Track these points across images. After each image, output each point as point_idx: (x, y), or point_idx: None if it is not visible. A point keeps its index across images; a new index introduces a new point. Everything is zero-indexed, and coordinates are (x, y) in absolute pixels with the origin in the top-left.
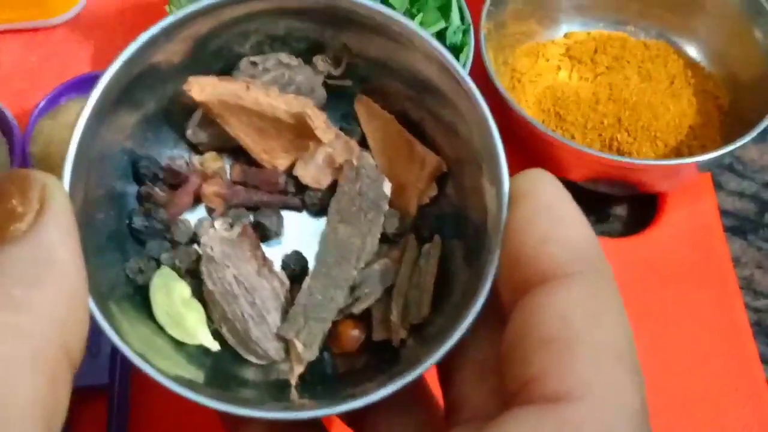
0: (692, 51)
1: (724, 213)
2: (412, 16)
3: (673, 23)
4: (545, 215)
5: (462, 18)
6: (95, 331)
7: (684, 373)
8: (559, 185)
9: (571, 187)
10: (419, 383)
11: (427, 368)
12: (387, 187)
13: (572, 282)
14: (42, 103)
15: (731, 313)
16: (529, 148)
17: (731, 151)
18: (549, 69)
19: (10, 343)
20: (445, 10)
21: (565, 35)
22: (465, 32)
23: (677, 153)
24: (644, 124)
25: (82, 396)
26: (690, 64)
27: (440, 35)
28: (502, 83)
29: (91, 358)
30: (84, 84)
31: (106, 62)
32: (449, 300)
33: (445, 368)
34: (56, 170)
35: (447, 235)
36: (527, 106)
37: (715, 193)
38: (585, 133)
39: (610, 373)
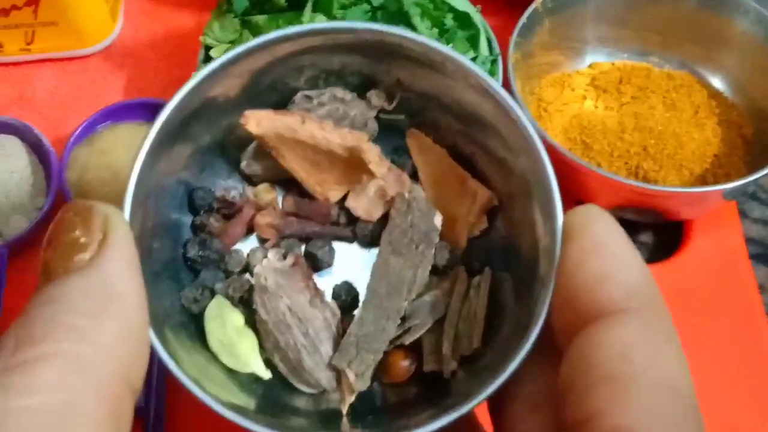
0: (716, 81)
1: (748, 240)
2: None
3: (696, 54)
4: (601, 252)
5: (490, 48)
6: None
7: (710, 399)
8: (613, 221)
9: None
10: (469, 417)
11: (479, 402)
12: (438, 220)
13: (630, 318)
14: (78, 131)
15: (758, 339)
16: (557, 175)
17: (755, 180)
18: (575, 99)
19: (76, 374)
20: (473, 41)
21: (590, 65)
22: (493, 62)
23: (702, 181)
24: (670, 152)
25: None
26: (714, 94)
27: None
28: (529, 112)
29: None
30: (118, 112)
31: (139, 90)
32: (500, 332)
33: (496, 401)
34: (91, 195)
35: (497, 267)
36: (554, 134)
37: (740, 221)
38: (611, 162)
39: (671, 410)
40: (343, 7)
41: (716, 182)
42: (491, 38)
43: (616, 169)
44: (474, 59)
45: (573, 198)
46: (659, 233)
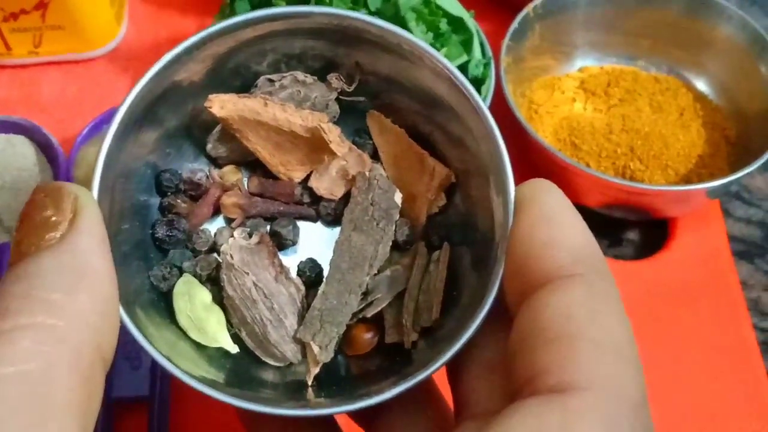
0: (701, 85)
1: (732, 238)
2: (436, 50)
3: (682, 59)
4: (548, 221)
5: (483, 52)
6: (136, 344)
7: (694, 391)
8: (561, 193)
9: (586, 212)
10: (429, 384)
11: (437, 368)
12: (398, 197)
13: (574, 283)
14: (85, 131)
15: (740, 333)
16: (546, 175)
17: (738, 179)
18: (565, 101)
19: (49, 345)
20: (467, 45)
21: (580, 69)
22: (486, 66)
23: (687, 181)
24: (656, 153)
25: (123, 407)
26: (699, 97)
27: (462, 68)
28: (520, 114)
29: (133, 370)
30: None
31: None
32: (458, 304)
33: (453, 368)
34: None
35: (455, 242)
36: (544, 135)
37: (724, 219)
38: (599, 162)
39: (612, 366)
40: None
41: (700, 182)
42: (484, 42)
43: (604, 169)
44: (467, 62)
45: None
46: (645, 231)
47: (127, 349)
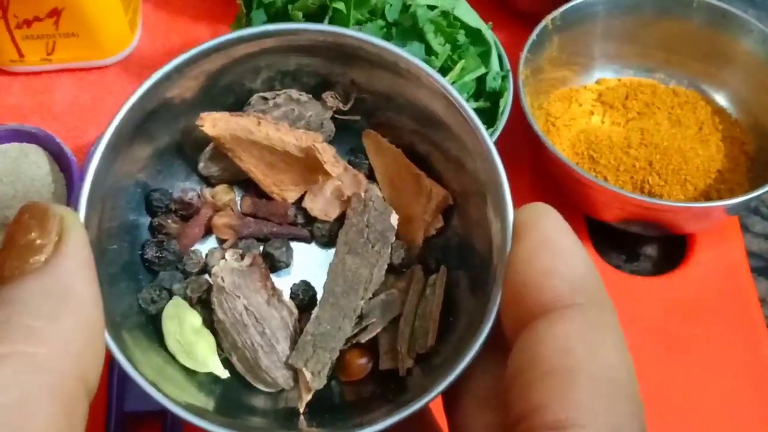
0: (720, 99)
1: (750, 254)
2: (454, 63)
3: (700, 72)
4: (547, 248)
5: (501, 65)
6: None
7: (711, 408)
8: (561, 219)
9: (603, 226)
10: (424, 413)
11: (433, 398)
12: (394, 219)
13: (573, 313)
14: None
15: (758, 350)
16: (563, 188)
17: (758, 195)
18: (582, 114)
19: (29, 374)
20: (485, 57)
21: (598, 81)
22: (504, 78)
23: (706, 196)
24: (675, 167)
25: (137, 421)
26: (718, 110)
27: (480, 80)
28: (538, 126)
29: None
30: None
31: None
32: (455, 330)
33: (449, 397)
34: None
35: (452, 265)
36: (561, 148)
37: (742, 235)
38: (617, 176)
39: (611, 403)
40: (359, 23)
41: (720, 197)
42: (502, 54)
43: (622, 184)
44: (485, 75)
45: (579, 211)
46: (664, 246)
47: None
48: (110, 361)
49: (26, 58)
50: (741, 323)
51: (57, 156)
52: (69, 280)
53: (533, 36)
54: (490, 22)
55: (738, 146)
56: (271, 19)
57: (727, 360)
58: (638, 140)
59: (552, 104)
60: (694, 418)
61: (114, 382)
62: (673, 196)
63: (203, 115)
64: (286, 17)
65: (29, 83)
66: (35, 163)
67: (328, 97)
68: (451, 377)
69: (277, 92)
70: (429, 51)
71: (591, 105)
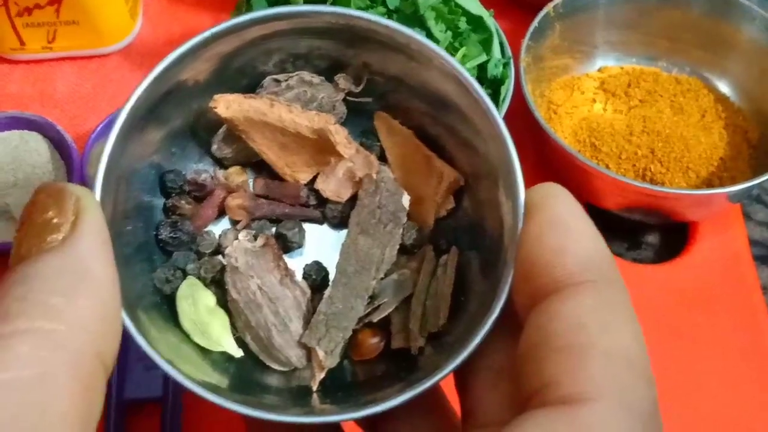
0: (722, 86)
1: (752, 242)
2: (455, 50)
3: (703, 60)
4: (558, 227)
5: (503, 52)
6: None
7: (713, 396)
8: (572, 198)
9: (605, 214)
10: (436, 391)
11: (444, 375)
12: (406, 200)
13: (585, 290)
14: (99, 128)
15: (760, 338)
16: (565, 176)
17: (760, 183)
18: (584, 101)
19: (48, 351)
20: (486, 45)
21: (600, 69)
22: (505, 65)
23: (708, 184)
24: (677, 155)
25: (137, 408)
26: (720, 98)
27: (482, 68)
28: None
29: (146, 371)
30: None
31: None
32: (466, 309)
33: (461, 375)
34: None
35: (464, 246)
36: (563, 136)
37: (745, 223)
38: (619, 164)
39: (623, 378)
40: (360, 9)
41: (722, 185)
42: (503, 42)
43: (624, 171)
44: (487, 62)
45: (581, 199)
46: (665, 234)
47: (140, 351)
48: None
49: (27, 46)
50: (743, 311)
51: (58, 144)
52: (86, 259)
53: (535, 23)
54: (492, 9)
55: (740, 134)
56: (272, 5)
57: (729, 347)
58: (640, 128)
59: (554, 92)
60: (695, 406)
61: (115, 369)
62: (675, 183)
63: (216, 96)
64: (287, 5)
65: (30, 71)
66: (36, 150)
67: (340, 79)
68: (463, 355)
69: (290, 74)
70: (430, 38)
71: (593, 93)
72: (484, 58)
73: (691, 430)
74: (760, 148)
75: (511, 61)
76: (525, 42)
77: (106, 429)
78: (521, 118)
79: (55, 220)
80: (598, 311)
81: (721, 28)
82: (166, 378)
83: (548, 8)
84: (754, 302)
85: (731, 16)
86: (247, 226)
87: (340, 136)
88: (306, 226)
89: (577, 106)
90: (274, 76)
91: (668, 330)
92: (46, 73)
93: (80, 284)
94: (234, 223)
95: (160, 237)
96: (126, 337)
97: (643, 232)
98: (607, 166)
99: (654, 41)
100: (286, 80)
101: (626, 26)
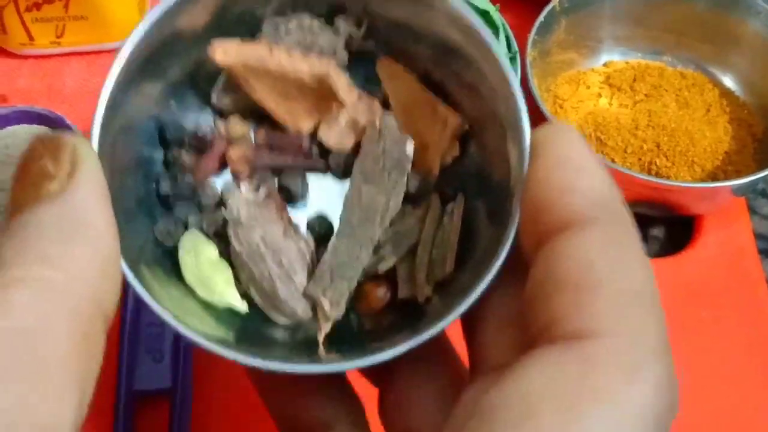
0: (727, 81)
1: (757, 236)
2: None
3: (708, 54)
4: (565, 165)
5: (509, 46)
6: (158, 337)
7: (718, 391)
8: (579, 137)
9: None
10: (442, 340)
11: (451, 321)
12: (410, 147)
13: (593, 228)
14: None
15: (764, 330)
16: None
17: (765, 177)
18: (590, 96)
19: (48, 298)
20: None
21: (605, 64)
22: (511, 60)
23: (713, 178)
24: (682, 149)
25: (145, 399)
26: (725, 93)
27: None
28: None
29: (155, 362)
30: None
31: None
32: (473, 257)
33: (468, 323)
34: None
35: (470, 194)
36: None
37: (750, 217)
38: (625, 158)
39: (632, 312)
40: None
41: (726, 179)
42: (510, 36)
43: (629, 165)
44: None
45: None
46: (670, 228)
47: (148, 342)
48: (119, 340)
49: (36, 41)
50: (748, 305)
51: None
52: (84, 209)
53: (541, 18)
54: (498, 4)
55: (745, 128)
56: None
57: (733, 340)
58: (646, 122)
59: (560, 86)
60: (699, 398)
61: (123, 360)
62: (680, 177)
63: (214, 43)
64: None
65: (39, 66)
66: None
67: (341, 22)
68: (469, 300)
69: (289, 18)
70: None
71: (599, 87)
72: None
73: (696, 423)
74: (765, 142)
75: (518, 55)
76: (531, 37)
77: (115, 421)
78: (529, 112)
79: (50, 169)
80: (605, 248)
81: (726, 23)
82: (175, 369)
83: (554, 3)
84: (758, 295)
85: (736, 11)
86: (249, 178)
87: (341, 81)
88: (309, 177)
89: (582, 100)
90: (274, 19)
91: (672, 323)
92: (54, 68)
93: (77, 234)
94: (235, 175)
95: (160, 190)
96: (135, 326)
97: (648, 225)
98: (613, 160)
99: (659, 36)
100: (286, 24)
101: (631, 21)
